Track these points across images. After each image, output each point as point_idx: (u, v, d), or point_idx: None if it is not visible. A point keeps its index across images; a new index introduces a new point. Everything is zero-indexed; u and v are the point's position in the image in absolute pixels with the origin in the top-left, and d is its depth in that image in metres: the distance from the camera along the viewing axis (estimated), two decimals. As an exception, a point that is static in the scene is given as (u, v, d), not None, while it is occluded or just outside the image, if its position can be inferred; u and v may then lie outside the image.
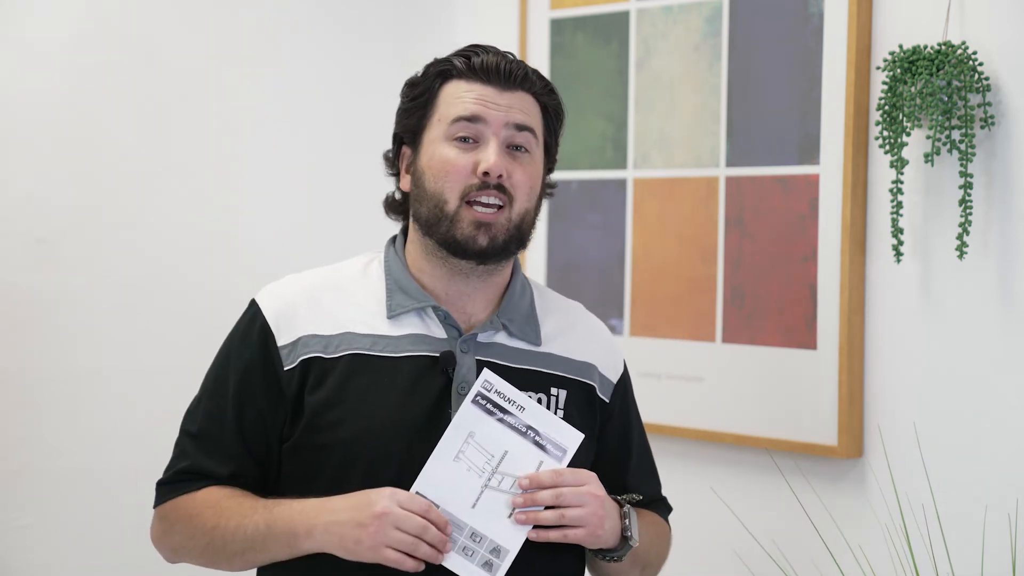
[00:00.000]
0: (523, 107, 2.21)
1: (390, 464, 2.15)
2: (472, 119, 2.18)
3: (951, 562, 2.59)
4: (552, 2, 3.39)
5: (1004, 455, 2.69)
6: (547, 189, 2.31)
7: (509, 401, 2.14)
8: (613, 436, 2.32)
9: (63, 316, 3.07)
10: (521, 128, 2.19)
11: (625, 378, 2.36)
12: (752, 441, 2.99)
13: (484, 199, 2.16)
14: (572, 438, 2.15)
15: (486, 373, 2.14)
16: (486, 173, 2.15)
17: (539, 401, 2.21)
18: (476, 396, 2.13)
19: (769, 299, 3.00)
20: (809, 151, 2.95)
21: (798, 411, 2.93)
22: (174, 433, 3.49)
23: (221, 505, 2.18)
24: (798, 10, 2.96)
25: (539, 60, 3.41)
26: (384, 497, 2.07)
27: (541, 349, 2.25)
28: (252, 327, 2.23)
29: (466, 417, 2.13)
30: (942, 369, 2.77)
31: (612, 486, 2.28)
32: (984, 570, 2.62)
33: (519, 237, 2.21)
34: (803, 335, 2.95)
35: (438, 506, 2.10)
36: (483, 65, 2.20)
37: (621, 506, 2.20)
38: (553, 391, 2.23)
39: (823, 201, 2.92)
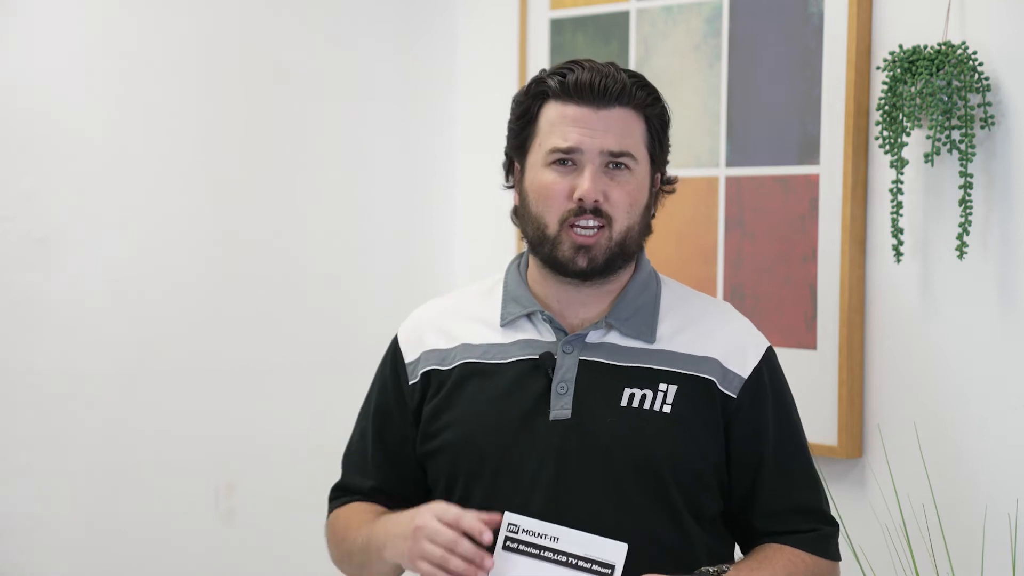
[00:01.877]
0: (621, 127, 2.22)
1: (489, 464, 2.22)
2: (568, 151, 2.21)
3: (951, 562, 2.59)
4: (552, 2, 3.39)
5: (1004, 455, 2.69)
6: (665, 187, 2.34)
7: (540, 536, 2.11)
8: (743, 432, 2.27)
9: (63, 316, 3.06)
10: (616, 149, 2.22)
11: (761, 376, 2.29)
12: (752, 441, 2.99)
13: (582, 223, 2.20)
14: (616, 552, 2.09)
15: (508, 516, 2.13)
16: (581, 199, 2.19)
17: (643, 398, 2.22)
18: (505, 542, 2.11)
19: (769, 299, 3.00)
20: (809, 151, 2.95)
21: (798, 411, 2.92)
22: (174, 433, 3.49)
23: (350, 520, 2.33)
24: (798, 10, 2.96)
25: (539, 60, 3.41)
26: (426, 511, 2.13)
27: (655, 346, 2.25)
28: (389, 350, 2.37)
29: (503, 566, 2.10)
30: (942, 369, 2.77)
31: (741, 490, 2.28)
32: (984, 570, 2.62)
33: (623, 253, 2.24)
34: (803, 335, 2.95)
35: None
36: (577, 84, 2.22)
37: None
38: (661, 387, 2.22)
39: (823, 201, 2.92)
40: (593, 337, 2.25)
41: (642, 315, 2.27)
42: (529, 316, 2.28)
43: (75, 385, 3.08)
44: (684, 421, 2.22)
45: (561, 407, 2.21)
